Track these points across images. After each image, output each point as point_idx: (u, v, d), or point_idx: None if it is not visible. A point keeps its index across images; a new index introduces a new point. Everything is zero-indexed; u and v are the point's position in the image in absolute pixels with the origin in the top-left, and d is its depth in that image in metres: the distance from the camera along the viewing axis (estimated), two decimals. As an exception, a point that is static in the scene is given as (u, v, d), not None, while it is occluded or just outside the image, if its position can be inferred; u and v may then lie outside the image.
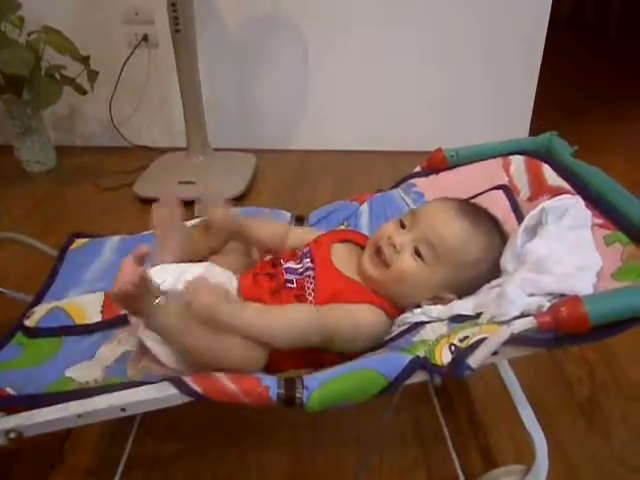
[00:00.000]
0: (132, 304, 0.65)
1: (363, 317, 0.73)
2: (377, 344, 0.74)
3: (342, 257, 0.81)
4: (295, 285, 0.76)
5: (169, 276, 0.72)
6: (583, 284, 0.63)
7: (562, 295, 0.63)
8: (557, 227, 0.71)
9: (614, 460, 0.92)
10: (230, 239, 0.86)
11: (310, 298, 0.74)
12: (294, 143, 2.10)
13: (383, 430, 0.90)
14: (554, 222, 0.72)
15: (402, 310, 0.77)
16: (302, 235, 0.89)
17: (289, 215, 1.01)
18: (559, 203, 0.73)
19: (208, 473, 0.90)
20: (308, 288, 0.75)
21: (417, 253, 0.75)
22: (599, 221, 0.72)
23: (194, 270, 0.75)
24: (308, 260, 0.79)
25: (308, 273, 0.77)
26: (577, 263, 0.66)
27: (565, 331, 0.59)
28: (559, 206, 0.73)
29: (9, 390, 0.67)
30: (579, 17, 3.69)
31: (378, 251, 0.77)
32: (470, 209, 0.79)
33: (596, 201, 0.74)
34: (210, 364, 0.66)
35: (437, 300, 0.76)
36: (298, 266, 0.78)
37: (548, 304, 0.63)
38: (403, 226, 0.78)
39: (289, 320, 0.68)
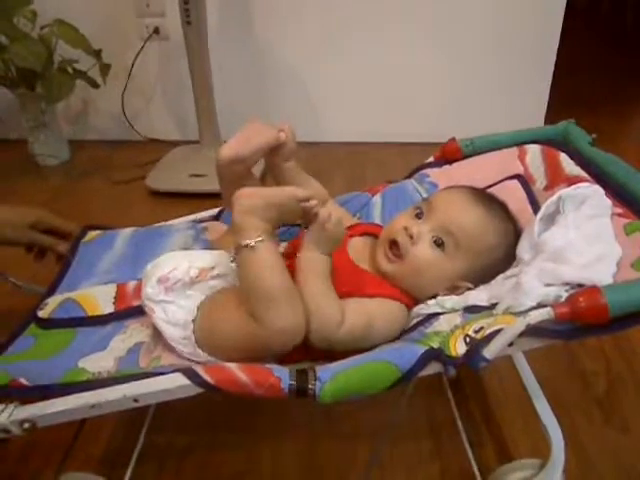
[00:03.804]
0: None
1: (379, 315, 0.71)
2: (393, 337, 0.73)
3: (359, 250, 0.80)
4: None
5: (179, 263, 0.71)
6: (602, 274, 0.62)
7: (580, 285, 0.62)
8: (575, 216, 0.70)
9: (632, 454, 0.91)
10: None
11: None
12: (306, 136, 2.06)
13: (396, 422, 0.90)
14: (572, 210, 0.70)
15: (417, 301, 0.76)
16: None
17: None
18: (577, 191, 0.72)
19: (221, 464, 0.90)
20: None
21: (436, 243, 0.73)
22: (619, 210, 0.70)
23: (205, 257, 0.74)
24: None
25: None
26: (596, 252, 0.64)
27: (583, 322, 0.58)
28: (577, 194, 0.71)
29: (23, 380, 0.67)
30: (595, 7, 3.64)
31: (393, 244, 0.75)
32: (483, 196, 0.78)
33: (615, 189, 0.72)
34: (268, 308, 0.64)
35: (453, 290, 0.75)
36: None
37: (566, 294, 0.61)
38: (418, 216, 0.76)
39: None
